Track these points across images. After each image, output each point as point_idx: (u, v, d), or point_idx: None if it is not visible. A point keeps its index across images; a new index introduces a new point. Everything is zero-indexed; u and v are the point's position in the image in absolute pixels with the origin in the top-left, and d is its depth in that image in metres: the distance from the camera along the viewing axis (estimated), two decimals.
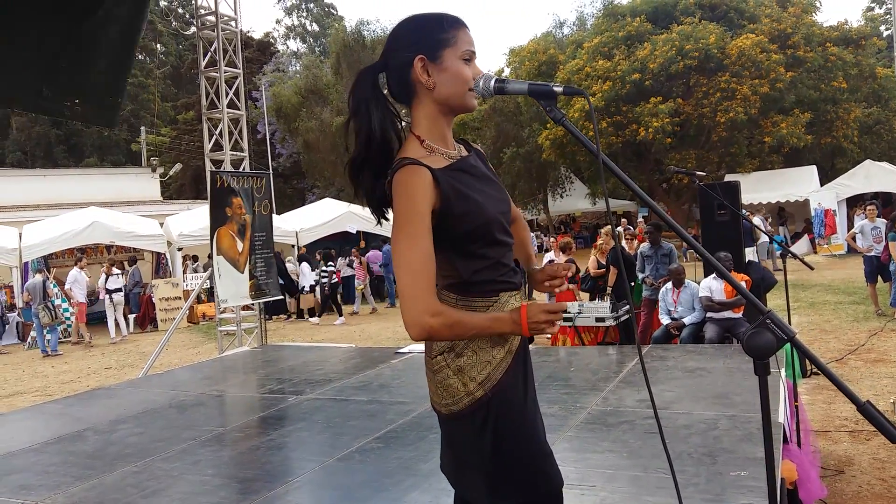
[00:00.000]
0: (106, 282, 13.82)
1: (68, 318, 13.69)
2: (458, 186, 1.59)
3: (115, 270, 14.21)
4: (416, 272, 1.51)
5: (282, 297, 13.61)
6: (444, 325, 1.51)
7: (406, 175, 1.55)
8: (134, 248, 16.11)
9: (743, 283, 6.94)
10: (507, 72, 25.82)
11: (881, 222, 9.87)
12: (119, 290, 13.93)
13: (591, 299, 8.40)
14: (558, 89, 1.39)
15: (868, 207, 10.21)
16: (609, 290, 8.15)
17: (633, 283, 8.23)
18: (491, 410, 1.65)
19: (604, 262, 8.67)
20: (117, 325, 13.79)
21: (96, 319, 14.35)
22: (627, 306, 7.85)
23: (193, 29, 8.47)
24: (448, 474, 1.80)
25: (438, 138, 1.66)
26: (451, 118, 1.69)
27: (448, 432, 1.76)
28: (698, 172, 5.30)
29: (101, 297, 14.23)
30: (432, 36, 1.63)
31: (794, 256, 4.56)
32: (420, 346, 3.71)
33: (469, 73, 1.62)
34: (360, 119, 1.65)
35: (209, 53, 8.28)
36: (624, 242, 12.17)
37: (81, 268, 13.38)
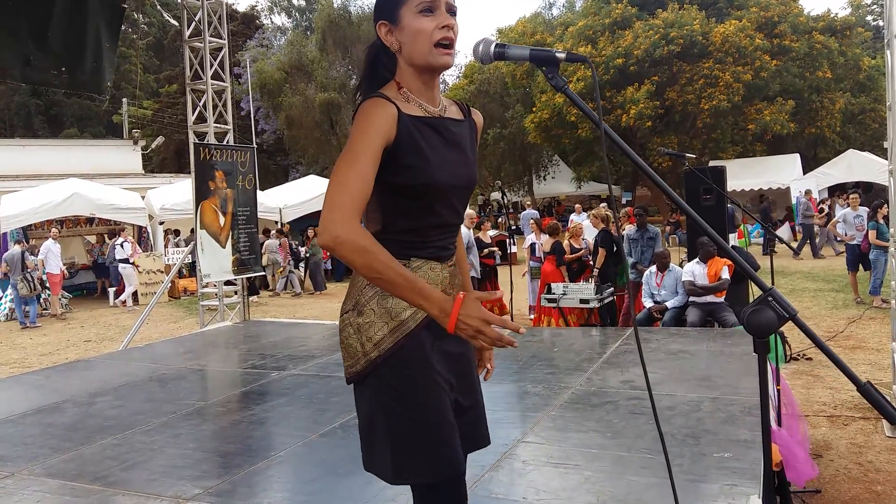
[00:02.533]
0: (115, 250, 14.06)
1: (49, 290, 13.54)
2: (416, 137, 1.54)
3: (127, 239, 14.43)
4: (345, 185, 1.45)
5: (263, 272, 13.58)
6: (355, 245, 1.40)
7: (370, 105, 1.54)
8: (115, 221, 15.90)
9: (725, 268, 6.94)
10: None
11: (863, 210, 9.95)
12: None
13: (573, 281, 8.41)
14: (561, 55, 1.34)
15: (851, 196, 10.29)
16: (596, 271, 8.16)
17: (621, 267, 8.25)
18: (385, 374, 1.57)
19: (577, 246, 8.67)
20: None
21: (78, 291, 14.20)
22: (612, 289, 7.88)
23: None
24: (363, 455, 1.67)
25: (418, 92, 1.62)
26: (430, 76, 1.63)
27: (355, 401, 1.67)
28: (688, 154, 5.30)
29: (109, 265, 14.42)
30: None
31: (780, 240, 4.58)
32: None
33: (427, 24, 1.55)
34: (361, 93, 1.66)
35: (193, 23, 8.12)
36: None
37: (55, 238, 13.21)
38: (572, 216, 16.18)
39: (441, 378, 1.61)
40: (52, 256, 12.88)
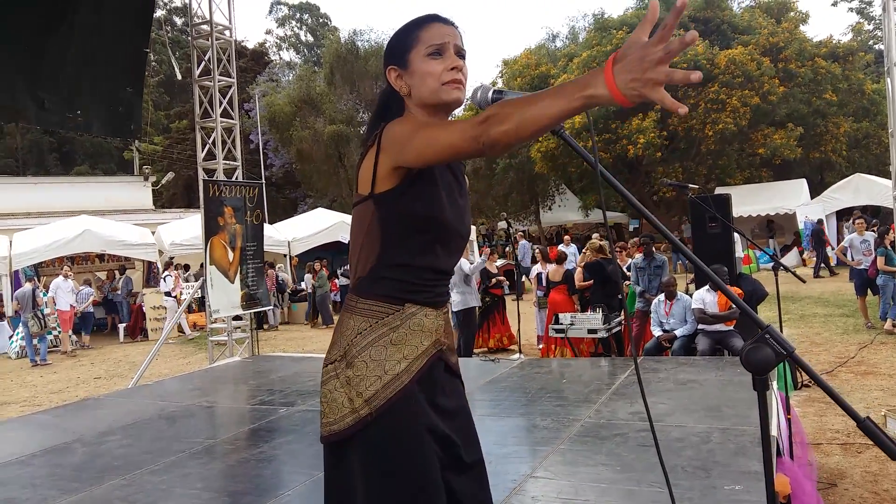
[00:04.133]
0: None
1: (59, 327, 13.61)
2: (436, 173, 1.51)
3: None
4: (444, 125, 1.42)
5: (272, 307, 13.63)
6: (498, 132, 1.24)
7: (403, 117, 1.56)
8: (125, 257, 16.03)
9: (736, 297, 6.99)
10: (500, 83, 25.91)
11: (870, 235, 9.92)
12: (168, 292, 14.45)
13: (582, 310, 8.40)
14: None
15: (857, 221, 10.26)
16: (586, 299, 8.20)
17: (619, 296, 8.22)
18: (374, 433, 1.47)
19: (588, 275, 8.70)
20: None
21: (96, 326, 14.33)
22: (619, 318, 7.86)
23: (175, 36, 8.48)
24: None
25: None
26: (441, 115, 1.62)
27: (327, 463, 1.54)
28: (690, 185, 5.32)
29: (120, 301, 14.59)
30: (399, 44, 1.62)
31: (786, 269, 4.57)
32: None
33: (436, 66, 1.55)
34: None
35: (203, 62, 8.27)
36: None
37: (66, 276, 13.31)
38: (560, 246, 16.32)
39: (434, 436, 1.53)
40: (61, 293, 12.96)
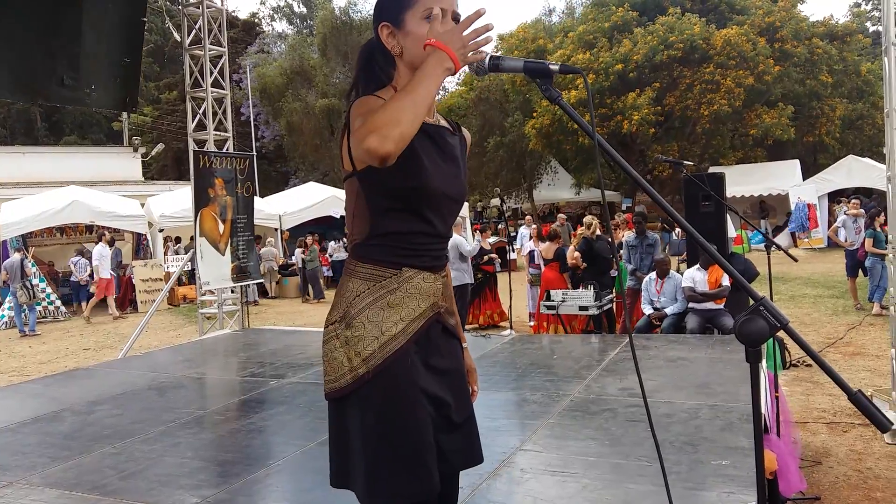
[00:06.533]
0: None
1: (49, 297, 13.56)
2: (413, 141, 1.47)
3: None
4: (373, 111, 1.41)
5: (262, 280, 13.61)
6: (388, 140, 1.33)
7: (365, 99, 1.54)
8: (114, 228, 15.92)
9: (735, 271, 7.03)
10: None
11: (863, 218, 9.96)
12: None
13: (574, 288, 8.41)
14: (554, 67, 1.35)
15: (851, 202, 10.29)
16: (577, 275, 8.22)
17: (610, 273, 8.23)
18: (371, 391, 1.52)
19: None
20: None
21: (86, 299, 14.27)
22: (611, 295, 7.88)
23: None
24: (334, 475, 1.62)
25: None
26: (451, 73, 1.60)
27: (330, 418, 1.61)
28: (685, 162, 5.31)
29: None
30: (395, 1, 1.59)
31: (778, 248, 4.57)
32: None
33: (434, 29, 1.51)
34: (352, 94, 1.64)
35: (193, 31, 8.15)
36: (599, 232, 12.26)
37: (107, 243, 13.41)
38: (521, 228, 16.58)
39: (426, 397, 1.57)
40: (104, 261, 13.10)
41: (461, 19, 1.50)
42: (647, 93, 20.10)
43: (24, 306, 11.91)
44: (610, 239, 8.72)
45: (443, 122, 1.70)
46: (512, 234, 16.86)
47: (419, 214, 1.57)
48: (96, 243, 13.94)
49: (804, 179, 19.49)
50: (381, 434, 1.52)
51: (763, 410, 3.46)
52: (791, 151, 22.55)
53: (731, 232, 13.10)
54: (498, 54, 1.44)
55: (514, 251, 13.58)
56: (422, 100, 1.37)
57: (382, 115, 1.36)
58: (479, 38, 1.41)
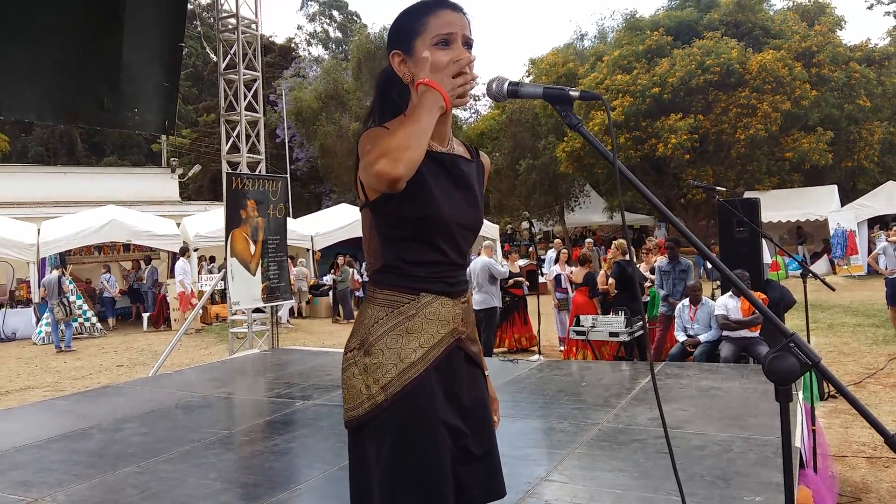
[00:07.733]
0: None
1: (85, 314, 13.80)
2: (422, 170, 1.45)
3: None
4: (381, 137, 1.43)
5: (292, 301, 13.71)
6: (384, 146, 1.36)
7: (374, 130, 1.53)
8: (150, 248, 16.21)
9: (761, 303, 6.88)
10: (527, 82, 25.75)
11: None
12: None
13: (605, 313, 8.30)
14: (574, 94, 1.32)
15: (892, 229, 10.03)
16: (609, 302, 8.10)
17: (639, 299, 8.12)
18: (388, 420, 1.49)
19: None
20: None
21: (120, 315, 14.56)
22: (641, 321, 7.75)
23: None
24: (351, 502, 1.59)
25: None
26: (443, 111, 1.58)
27: (349, 447, 1.58)
28: (718, 188, 5.22)
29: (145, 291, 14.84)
30: (406, 28, 1.58)
31: (815, 276, 4.45)
32: None
33: (442, 58, 1.49)
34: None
35: (229, 56, 8.31)
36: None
37: (189, 258, 13.77)
38: (549, 252, 16.66)
39: (445, 427, 1.54)
40: (186, 276, 13.47)
41: (461, 59, 1.49)
42: (687, 119, 19.88)
43: (61, 322, 12.15)
44: (633, 266, 8.61)
45: (458, 150, 1.67)
46: (542, 258, 16.75)
47: (431, 244, 1.56)
48: (173, 260, 14.30)
49: (842, 205, 19.09)
50: (398, 464, 1.49)
51: (798, 444, 3.34)
52: (829, 177, 22.11)
53: (767, 258, 12.85)
54: (517, 80, 1.42)
55: (542, 275, 13.48)
56: (424, 131, 1.39)
57: (392, 139, 1.37)
58: (465, 86, 1.46)
